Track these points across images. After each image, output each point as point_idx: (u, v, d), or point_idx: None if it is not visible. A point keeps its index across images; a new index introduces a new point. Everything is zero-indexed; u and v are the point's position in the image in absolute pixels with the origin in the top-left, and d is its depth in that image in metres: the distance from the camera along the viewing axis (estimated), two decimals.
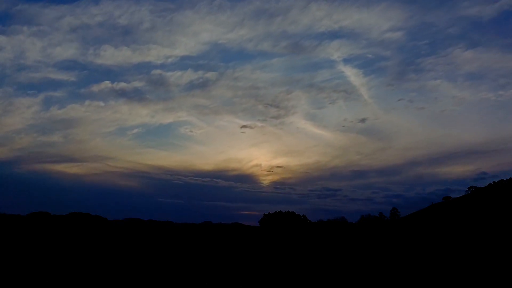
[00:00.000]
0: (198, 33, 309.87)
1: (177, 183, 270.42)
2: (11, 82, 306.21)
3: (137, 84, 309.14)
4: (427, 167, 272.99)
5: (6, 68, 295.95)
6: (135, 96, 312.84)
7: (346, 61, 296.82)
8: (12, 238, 49.52)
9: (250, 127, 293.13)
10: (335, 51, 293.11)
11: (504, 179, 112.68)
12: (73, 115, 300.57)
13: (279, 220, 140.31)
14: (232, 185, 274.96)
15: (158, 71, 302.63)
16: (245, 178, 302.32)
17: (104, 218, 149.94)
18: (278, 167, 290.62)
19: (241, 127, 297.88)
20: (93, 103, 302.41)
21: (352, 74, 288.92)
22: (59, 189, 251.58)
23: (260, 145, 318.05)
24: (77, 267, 24.71)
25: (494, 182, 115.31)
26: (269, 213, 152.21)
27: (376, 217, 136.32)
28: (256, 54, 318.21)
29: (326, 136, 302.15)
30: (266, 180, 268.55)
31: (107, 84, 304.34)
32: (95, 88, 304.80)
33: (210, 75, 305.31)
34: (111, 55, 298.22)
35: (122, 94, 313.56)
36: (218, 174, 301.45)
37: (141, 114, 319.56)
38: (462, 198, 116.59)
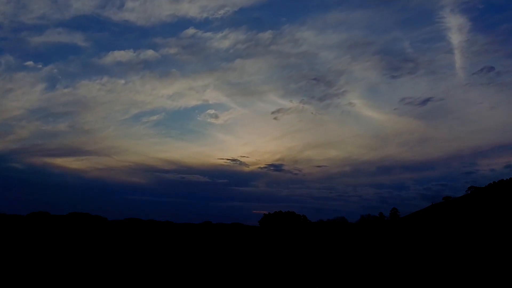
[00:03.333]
0: None
1: (184, 181, 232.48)
2: (10, 49, 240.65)
3: (168, 51, 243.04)
4: (472, 160, 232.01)
5: (3, 27, 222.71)
6: (162, 69, 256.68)
7: (455, 11, 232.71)
8: (12, 238, 49.47)
9: (288, 112, 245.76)
10: None
11: (504, 179, 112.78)
12: (84, 96, 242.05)
13: (279, 220, 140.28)
14: (241, 184, 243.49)
15: (195, 31, 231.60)
16: (259, 175, 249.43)
17: (104, 218, 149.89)
18: (299, 165, 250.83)
19: (272, 113, 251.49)
20: (111, 80, 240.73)
21: (455, 28, 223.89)
22: (56, 187, 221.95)
23: (293, 134, 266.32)
24: (77, 267, 24.68)
25: (494, 182, 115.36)
26: (268, 213, 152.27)
27: (376, 217, 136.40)
28: (334, 4, 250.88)
29: (376, 121, 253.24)
30: (283, 177, 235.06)
31: (130, 54, 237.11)
32: (114, 57, 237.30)
33: (263, 36, 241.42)
34: (140, 6, 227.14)
35: (146, 66, 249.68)
36: (232, 170, 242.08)
37: (164, 95, 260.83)
38: (462, 198, 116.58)
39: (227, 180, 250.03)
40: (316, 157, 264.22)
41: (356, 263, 28.56)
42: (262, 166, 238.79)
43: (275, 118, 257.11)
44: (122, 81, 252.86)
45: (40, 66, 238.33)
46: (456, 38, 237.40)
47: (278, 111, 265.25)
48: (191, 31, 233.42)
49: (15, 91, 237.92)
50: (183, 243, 51.62)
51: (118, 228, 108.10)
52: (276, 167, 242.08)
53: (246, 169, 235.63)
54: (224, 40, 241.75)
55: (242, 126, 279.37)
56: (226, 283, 20.71)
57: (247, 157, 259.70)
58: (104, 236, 63.57)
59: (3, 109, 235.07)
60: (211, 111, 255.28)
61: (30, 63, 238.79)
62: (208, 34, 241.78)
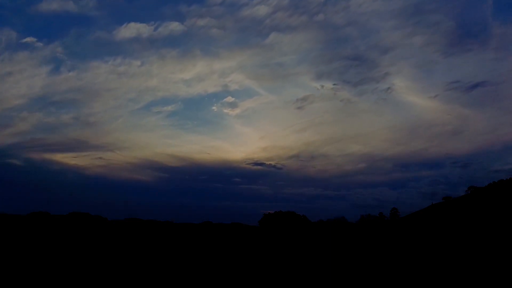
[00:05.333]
0: None
1: (190, 179, 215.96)
2: (6, 20, 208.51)
3: (197, 22, 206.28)
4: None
5: None
6: (184, 47, 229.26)
7: None
8: (12, 238, 49.40)
9: (316, 100, 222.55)
10: None
11: (504, 179, 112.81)
12: (92, 81, 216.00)
13: (279, 220, 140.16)
14: (246, 182, 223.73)
15: None
16: (269, 174, 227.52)
17: (104, 218, 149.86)
18: (314, 160, 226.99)
19: (298, 101, 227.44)
20: (125, 61, 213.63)
21: None
22: (55, 185, 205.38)
23: (316, 127, 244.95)
24: (77, 267, 24.65)
25: (494, 182, 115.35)
26: (269, 213, 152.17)
27: (376, 217, 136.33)
28: None
29: (413, 111, 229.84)
30: (294, 175, 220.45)
31: (149, 27, 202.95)
32: (130, 31, 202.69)
33: (314, 0, 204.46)
34: None
35: (167, 43, 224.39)
36: (241, 168, 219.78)
37: (181, 80, 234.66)
38: (462, 198, 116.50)
39: (231, 179, 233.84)
40: (334, 153, 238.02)
41: (356, 263, 28.53)
42: (269, 163, 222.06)
43: (299, 108, 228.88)
44: (138, 63, 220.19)
45: (42, 44, 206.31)
46: None
47: (304, 98, 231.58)
48: None
49: (14, 75, 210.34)
50: (183, 243, 51.56)
51: (118, 228, 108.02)
52: (283, 165, 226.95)
53: (252, 167, 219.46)
54: (261, 7, 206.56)
55: (263, 116, 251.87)
56: (226, 283, 20.69)
57: (261, 153, 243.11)
58: (104, 236, 63.50)
59: (2, 95, 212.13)
60: (230, 99, 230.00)
61: (30, 39, 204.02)
62: None
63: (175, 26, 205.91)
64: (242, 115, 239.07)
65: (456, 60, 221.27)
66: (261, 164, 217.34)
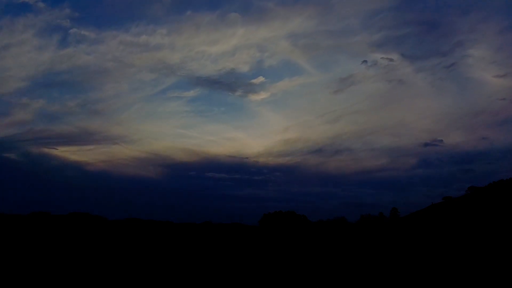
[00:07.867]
0: None
1: (197, 177, 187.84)
2: None
3: None
4: None
5: None
6: (223, 10, 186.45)
7: None
8: (12, 238, 49.41)
9: (362, 81, 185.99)
10: None
11: (504, 179, 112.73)
12: (105, 57, 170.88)
13: (279, 220, 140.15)
14: (253, 180, 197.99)
15: None
16: (280, 171, 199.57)
17: (104, 218, 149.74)
18: (338, 156, 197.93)
19: (339, 81, 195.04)
20: (149, 29, 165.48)
21: None
22: (54, 182, 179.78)
23: (351, 116, 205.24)
24: (77, 267, 24.64)
25: (494, 182, 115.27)
26: (269, 212, 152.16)
27: (376, 217, 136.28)
28: None
29: (473, 92, 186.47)
30: (307, 173, 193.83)
31: None
32: None
33: None
34: None
35: (202, 3, 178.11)
36: (254, 165, 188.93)
37: (210, 56, 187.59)
38: (462, 198, 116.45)
39: (239, 177, 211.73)
40: (360, 147, 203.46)
41: (356, 263, 28.53)
42: (281, 161, 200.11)
43: (337, 91, 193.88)
44: (164, 31, 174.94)
45: (44, 5, 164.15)
46: None
47: (348, 79, 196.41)
48: None
49: (12, 48, 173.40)
50: (183, 243, 51.55)
51: (118, 228, 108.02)
52: (299, 161, 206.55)
53: (263, 164, 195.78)
54: None
55: (295, 101, 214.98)
56: (226, 283, 20.69)
57: (281, 147, 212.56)
58: (104, 236, 63.49)
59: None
60: (261, 79, 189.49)
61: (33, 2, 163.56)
62: None
63: None
64: (270, 101, 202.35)
65: None
66: (272, 162, 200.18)
